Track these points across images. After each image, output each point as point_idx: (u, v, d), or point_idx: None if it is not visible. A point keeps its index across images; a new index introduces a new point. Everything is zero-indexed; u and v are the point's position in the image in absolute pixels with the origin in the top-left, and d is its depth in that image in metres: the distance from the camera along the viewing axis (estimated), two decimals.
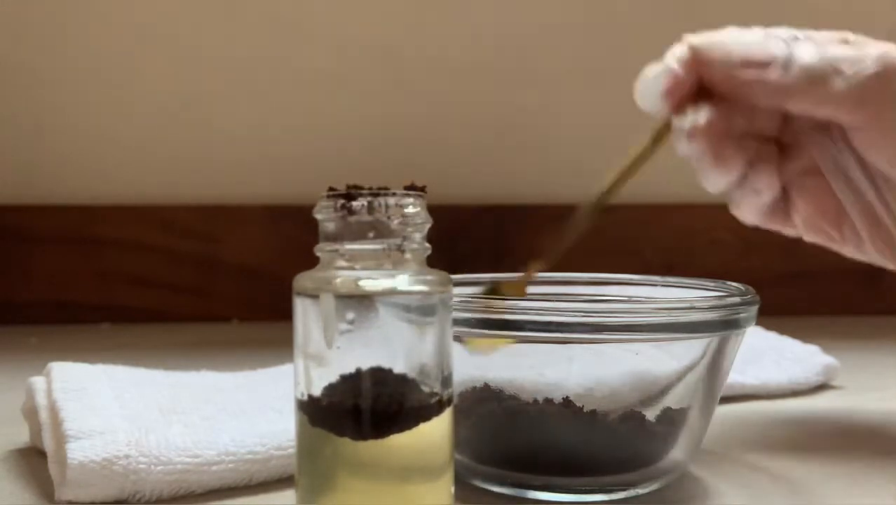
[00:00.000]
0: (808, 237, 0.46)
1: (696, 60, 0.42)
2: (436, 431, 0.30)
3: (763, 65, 0.41)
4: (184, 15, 0.89)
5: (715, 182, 0.42)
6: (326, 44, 0.90)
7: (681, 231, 0.91)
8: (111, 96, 0.89)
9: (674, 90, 0.42)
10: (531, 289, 0.45)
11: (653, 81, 0.42)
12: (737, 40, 0.42)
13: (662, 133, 0.42)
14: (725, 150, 0.41)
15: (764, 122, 0.43)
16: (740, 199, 0.44)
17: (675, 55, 0.42)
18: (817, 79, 0.40)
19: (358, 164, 0.90)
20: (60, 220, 0.87)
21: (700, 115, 0.41)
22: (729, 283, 0.41)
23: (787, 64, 0.41)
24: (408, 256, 0.30)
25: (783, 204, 0.45)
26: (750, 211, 0.44)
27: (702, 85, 0.42)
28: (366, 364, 0.29)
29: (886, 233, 0.42)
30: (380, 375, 0.29)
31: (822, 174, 0.43)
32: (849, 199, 0.43)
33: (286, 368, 0.51)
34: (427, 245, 0.31)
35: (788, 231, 0.46)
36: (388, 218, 0.29)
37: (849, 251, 0.45)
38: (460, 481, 0.35)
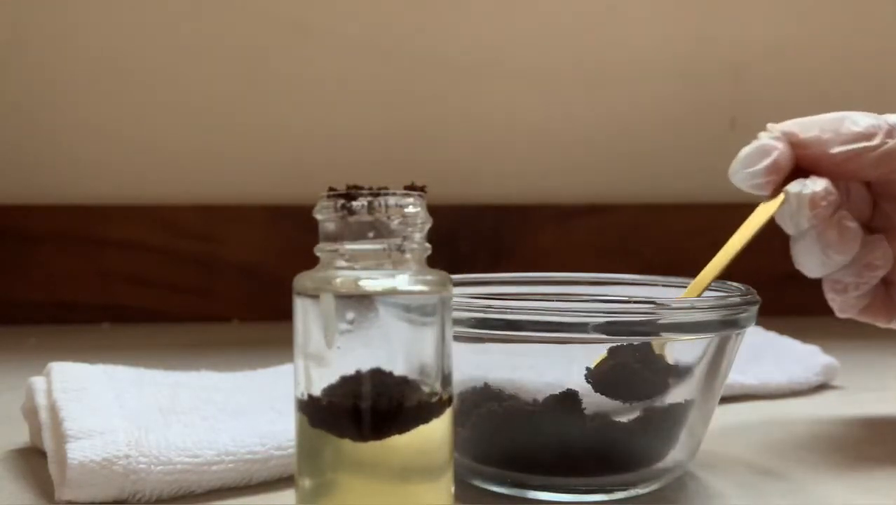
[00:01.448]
0: None
1: (792, 142, 0.41)
2: (436, 431, 0.30)
3: (866, 136, 0.40)
4: (184, 15, 0.89)
5: (832, 259, 0.41)
6: (326, 44, 0.90)
7: (681, 231, 0.91)
8: (111, 96, 0.89)
9: (777, 166, 0.40)
10: (531, 289, 0.45)
11: (752, 157, 0.41)
12: (831, 118, 0.41)
13: (768, 210, 0.41)
14: (844, 220, 0.41)
15: (856, 209, 0.43)
16: (854, 279, 0.42)
17: (770, 134, 0.41)
18: None
19: (358, 164, 0.90)
20: (60, 220, 0.87)
21: (816, 184, 0.40)
22: (729, 283, 0.41)
23: (891, 132, 0.40)
24: (408, 256, 0.30)
25: (884, 292, 0.44)
26: (856, 296, 0.43)
27: (798, 168, 0.41)
28: (366, 364, 0.29)
29: None
30: (379, 376, 0.29)
31: None
32: None
33: (286, 368, 0.51)
34: (427, 245, 0.31)
35: (892, 323, 0.45)
36: (388, 218, 0.29)
37: None
38: (460, 481, 0.35)
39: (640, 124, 0.93)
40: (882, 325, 0.46)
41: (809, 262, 0.42)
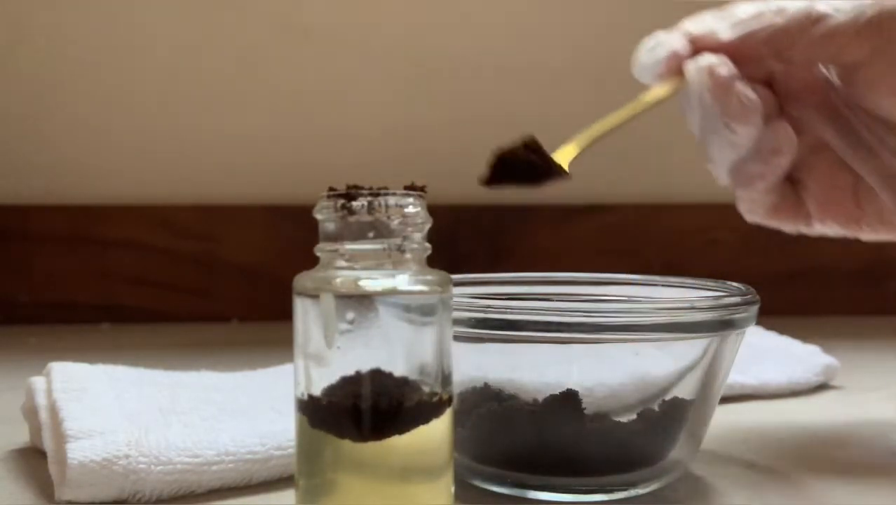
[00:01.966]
0: (824, 225, 0.44)
1: (690, 37, 0.42)
2: (436, 432, 0.30)
3: (754, 18, 0.40)
4: (184, 15, 0.89)
5: (737, 134, 0.40)
6: (327, 44, 0.90)
7: (681, 231, 0.91)
8: (111, 96, 0.89)
9: (676, 53, 0.41)
10: (531, 289, 0.45)
11: (652, 49, 0.42)
12: (719, 11, 0.42)
13: (662, 89, 0.42)
14: (744, 89, 0.40)
15: (763, 114, 0.42)
16: (760, 167, 0.41)
17: (668, 31, 0.42)
18: (816, 15, 0.39)
19: (358, 165, 0.90)
20: (60, 220, 0.87)
21: (711, 57, 0.41)
22: (729, 283, 0.41)
23: (780, 10, 0.40)
24: (408, 255, 0.30)
25: (792, 192, 0.44)
26: (763, 189, 0.42)
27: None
28: (366, 364, 0.29)
29: None
30: (379, 377, 0.30)
31: (829, 148, 0.42)
32: (863, 163, 0.41)
33: (286, 368, 0.51)
34: (427, 245, 0.31)
35: (799, 226, 0.44)
36: (388, 218, 0.29)
37: (870, 230, 0.43)
38: (460, 481, 0.35)
39: (639, 124, 0.93)
40: (790, 229, 0.45)
41: (717, 146, 0.42)
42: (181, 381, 0.48)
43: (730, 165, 0.42)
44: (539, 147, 0.38)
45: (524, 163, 0.37)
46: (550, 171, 0.38)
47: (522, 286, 0.45)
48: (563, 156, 0.39)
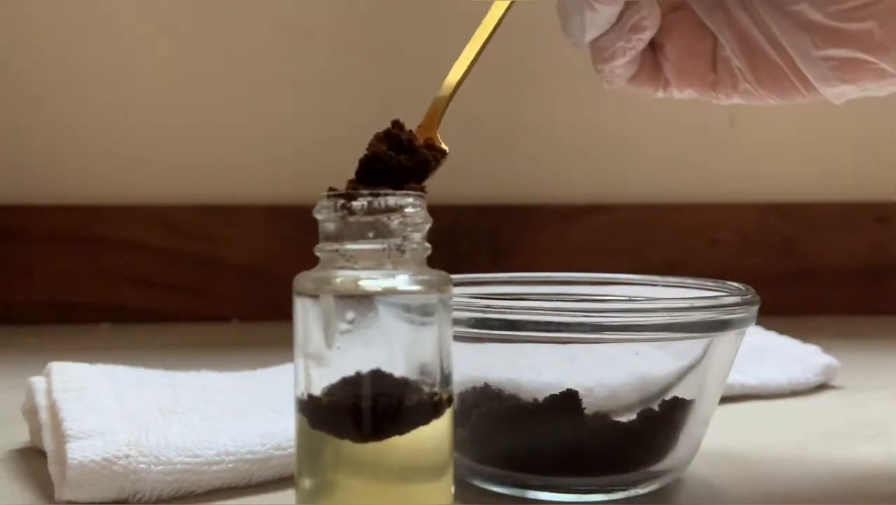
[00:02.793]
0: (681, 89, 0.42)
1: None
2: (436, 432, 0.30)
3: None
4: (183, 15, 0.89)
5: (598, 13, 0.38)
6: (326, 44, 0.90)
7: (681, 231, 0.91)
8: (111, 96, 0.89)
9: None
10: (531, 289, 0.45)
11: None
12: None
13: None
14: None
15: None
16: (622, 44, 0.39)
17: None
18: None
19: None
20: (60, 220, 0.87)
21: None
22: (729, 283, 0.41)
23: None
24: (408, 256, 0.30)
25: (651, 58, 0.42)
26: (623, 63, 0.40)
27: None
28: (366, 364, 0.29)
29: (767, 60, 0.39)
30: (379, 377, 0.30)
31: (688, 7, 0.41)
32: (720, 24, 0.40)
33: (286, 368, 0.51)
34: (427, 245, 0.31)
35: (657, 92, 0.42)
36: (388, 218, 0.29)
37: (724, 96, 0.41)
38: (460, 481, 0.35)
39: (639, 124, 0.93)
40: (650, 94, 0.43)
41: (578, 23, 0.40)
42: (181, 381, 0.48)
43: (590, 39, 0.41)
44: (406, 139, 0.36)
45: (393, 168, 0.34)
46: (426, 166, 0.35)
47: (522, 286, 0.45)
48: (435, 110, 0.38)
